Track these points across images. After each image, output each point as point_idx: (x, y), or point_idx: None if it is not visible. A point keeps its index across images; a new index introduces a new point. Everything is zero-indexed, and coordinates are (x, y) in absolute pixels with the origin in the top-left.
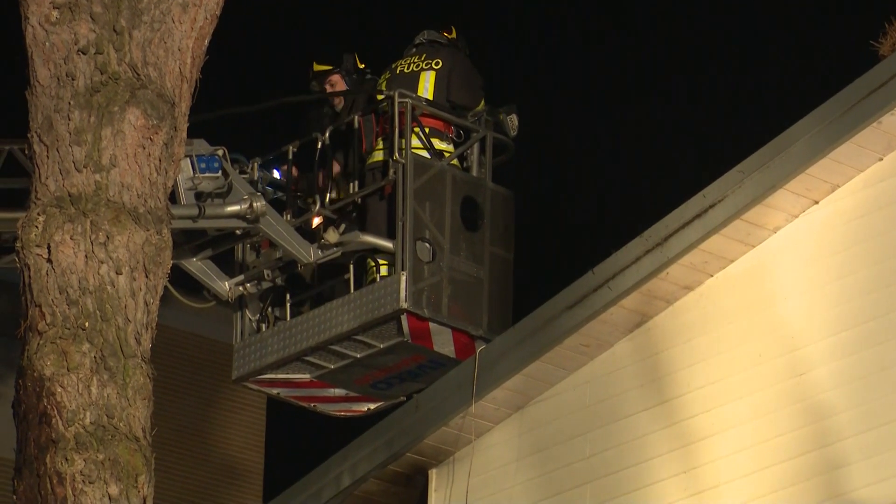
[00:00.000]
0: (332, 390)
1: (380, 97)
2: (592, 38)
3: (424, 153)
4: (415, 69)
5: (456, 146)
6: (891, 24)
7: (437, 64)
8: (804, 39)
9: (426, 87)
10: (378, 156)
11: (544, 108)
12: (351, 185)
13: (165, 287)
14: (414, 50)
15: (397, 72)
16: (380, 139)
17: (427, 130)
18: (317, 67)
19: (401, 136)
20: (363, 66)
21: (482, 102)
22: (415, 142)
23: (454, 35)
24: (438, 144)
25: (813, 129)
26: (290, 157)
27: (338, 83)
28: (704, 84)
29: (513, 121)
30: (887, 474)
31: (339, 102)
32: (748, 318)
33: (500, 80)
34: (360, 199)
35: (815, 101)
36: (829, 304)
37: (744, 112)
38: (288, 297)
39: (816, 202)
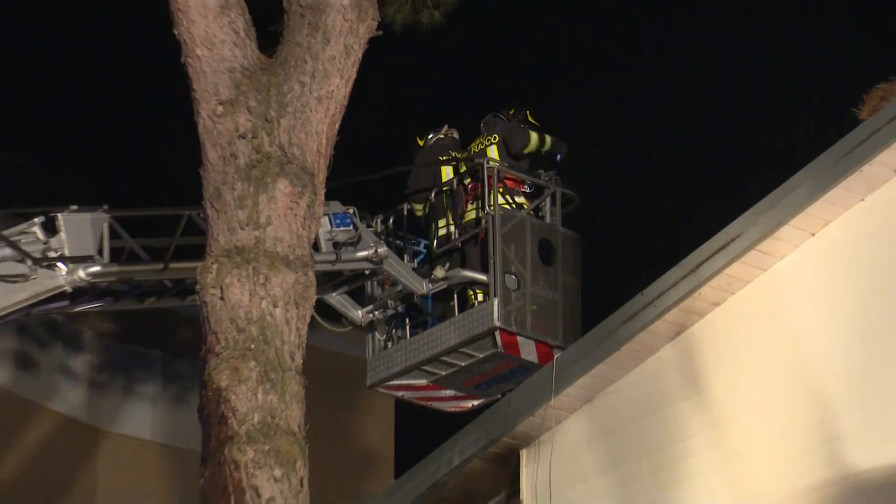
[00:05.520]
0: (443, 391)
1: (463, 168)
2: (630, 110)
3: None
4: (483, 146)
5: (527, 197)
6: (867, 94)
7: (494, 138)
8: (803, 107)
9: (493, 156)
10: (471, 214)
11: (608, 166)
12: (452, 233)
13: (312, 316)
14: (482, 130)
15: (472, 152)
16: (469, 203)
17: (516, 197)
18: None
19: (489, 194)
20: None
21: (531, 138)
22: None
23: (512, 111)
24: (518, 199)
25: (810, 178)
26: (405, 213)
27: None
28: (726, 145)
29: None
30: (876, 443)
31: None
32: (763, 326)
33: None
34: (460, 244)
35: (811, 156)
36: (826, 312)
37: (756, 166)
38: (407, 320)
39: (814, 234)
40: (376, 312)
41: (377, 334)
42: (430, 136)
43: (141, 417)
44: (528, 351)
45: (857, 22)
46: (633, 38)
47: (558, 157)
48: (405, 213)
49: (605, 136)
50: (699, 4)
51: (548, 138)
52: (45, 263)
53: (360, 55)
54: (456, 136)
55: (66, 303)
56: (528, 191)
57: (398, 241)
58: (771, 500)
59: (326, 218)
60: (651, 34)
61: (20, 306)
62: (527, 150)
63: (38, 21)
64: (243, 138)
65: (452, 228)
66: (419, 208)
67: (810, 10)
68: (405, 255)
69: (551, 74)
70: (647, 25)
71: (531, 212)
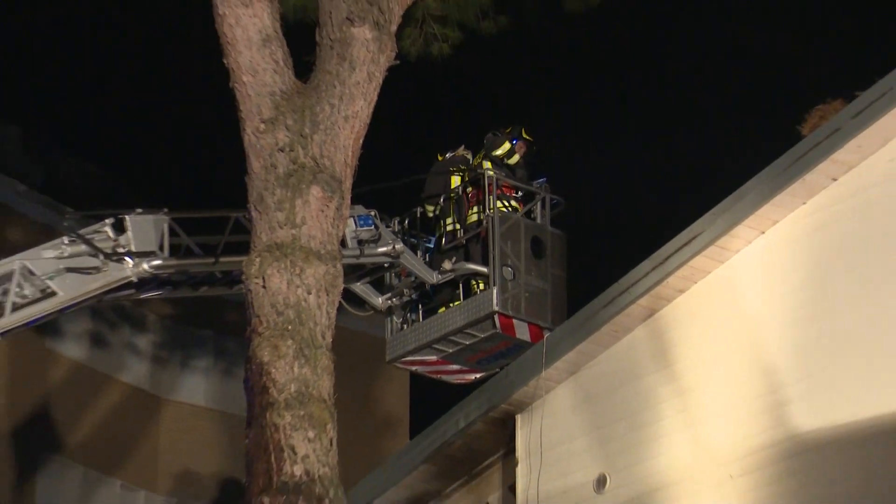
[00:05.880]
0: (451, 366)
1: (467, 177)
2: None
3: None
4: (480, 159)
5: (520, 201)
6: (809, 114)
7: (484, 152)
8: (756, 124)
9: (489, 166)
10: (473, 217)
11: (591, 174)
12: (458, 232)
13: (339, 301)
14: (485, 145)
15: (473, 164)
16: (472, 207)
17: (511, 202)
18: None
19: (489, 199)
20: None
21: (503, 144)
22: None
23: (509, 129)
24: (513, 203)
25: (760, 185)
26: (418, 216)
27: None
28: (689, 157)
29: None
30: (817, 409)
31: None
32: (721, 309)
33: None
34: (464, 241)
35: (761, 166)
36: (774, 298)
37: (715, 174)
38: (420, 306)
39: (763, 232)
40: (394, 299)
41: (395, 317)
42: (447, 154)
43: (196, 387)
44: (522, 331)
45: (799, 52)
46: (611, 59)
47: (515, 172)
48: (418, 215)
49: (591, 148)
50: (676, 22)
51: (516, 156)
52: (115, 258)
53: (381, 81)
54: (469, 156)
55: (132, 291)
56: (519, 195)
57: (412, 239)
58: (727, 456)
59: (352, 219)
60: (630, 54)
61: (94, 294)
62: (495, 153)
63: (108, 39)
64: (282, 151)
65: (458, 227)
66: (430, 210)
67: (771, 39)
68: (418, 251)
69: (537, 96)
70: (628, 44)
71: (524, 214)
